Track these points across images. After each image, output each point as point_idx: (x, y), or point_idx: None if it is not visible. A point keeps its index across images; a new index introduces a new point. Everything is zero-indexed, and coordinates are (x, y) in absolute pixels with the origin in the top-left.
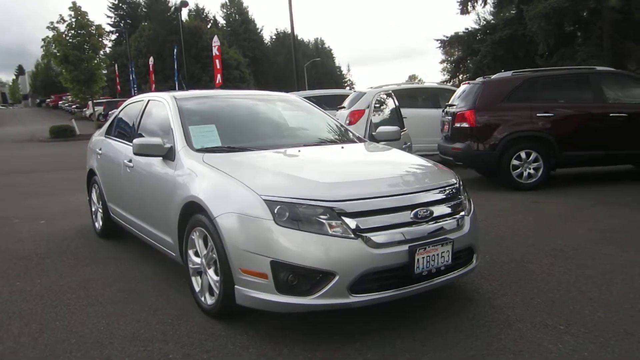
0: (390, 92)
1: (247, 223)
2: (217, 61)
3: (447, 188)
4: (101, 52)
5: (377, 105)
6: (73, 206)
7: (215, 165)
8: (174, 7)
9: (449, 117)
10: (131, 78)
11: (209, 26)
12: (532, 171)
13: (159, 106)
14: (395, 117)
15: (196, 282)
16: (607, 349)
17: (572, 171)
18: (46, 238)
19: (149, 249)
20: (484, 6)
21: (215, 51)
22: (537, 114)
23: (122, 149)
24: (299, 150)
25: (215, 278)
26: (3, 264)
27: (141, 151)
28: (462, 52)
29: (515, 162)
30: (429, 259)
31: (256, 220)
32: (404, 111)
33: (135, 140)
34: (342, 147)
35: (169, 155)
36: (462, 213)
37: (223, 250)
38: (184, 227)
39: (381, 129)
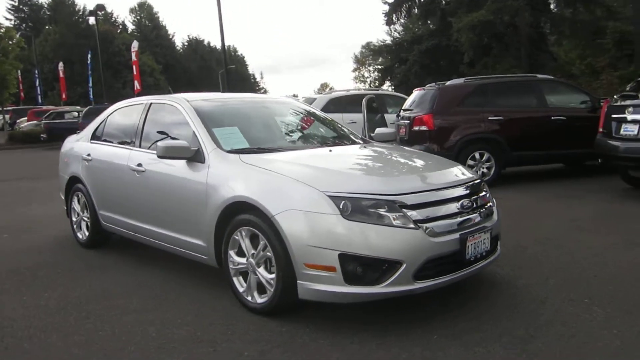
0: (373, 96)
1: (312, 219)
2: (135, 67)
3: (476, 181)
4: (11, 56)
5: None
6: (31, 218)
7: (257, 165)
8: (82, 11)
9: (406, 121)
10: (37, 84)
11: (118, 31)
12: (485, 170)
13: (169, 109)
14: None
15: (238, 283)
16: (632, 315)
17: (516, 169)
18: (21, 252)
19: (145, 256)
20: (407, 18)
21: (134, 57)
22: (489, 118)
23: (125, 154)
24: (330, 150)
25: (269, 276)
26: None
27: (167, 154)
28: (390, 61)
29: (470, 162)
30: (476, 246)
31: (322, 216)
32: (353, 116)
33: (160, 143)
34: (364, 147)
35: (197, 157)
36: (490, 204)
37: (282, 247)
38: (221, 229)
39: (379, 130)
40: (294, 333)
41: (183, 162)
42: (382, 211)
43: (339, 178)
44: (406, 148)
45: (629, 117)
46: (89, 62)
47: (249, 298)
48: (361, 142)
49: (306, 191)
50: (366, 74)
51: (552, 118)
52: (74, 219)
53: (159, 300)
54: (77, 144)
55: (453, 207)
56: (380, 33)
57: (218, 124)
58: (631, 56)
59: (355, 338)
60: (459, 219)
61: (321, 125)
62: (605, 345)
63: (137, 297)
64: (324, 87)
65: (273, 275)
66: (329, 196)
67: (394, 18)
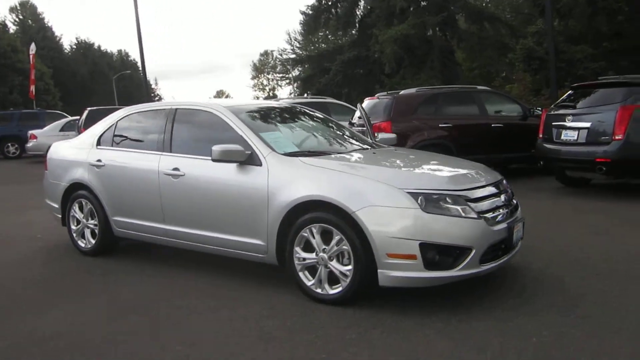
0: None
1: (393, 213)
2: (32, 71)
3: (504, 179)
4: None
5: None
6: (15, 229)
7: (322, 166)
8: None
9: (361, 128)
10: None
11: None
12: None
13: (205, 115)
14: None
15: (305, 277)
16: None
17: None
18: (29, 262)
19: (161, 260)
20: (325, 28)
21: (31, 60)
22: (440, 124)
23: (153, 159)
24: (374, 153)
25: (345, 268)
26: (34, 286)
27: (223, 157)
28: (312, 70)
29: None
30: (517, 233)
31: (403, 210)
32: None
33: (215, 147)
34: (396, 150)
35: (251, 160)
36: (514, 199)
37: (360, 240)
38: (285, 227)
39: (382, 135)
40: (376, 319)
41: (233, 165)
42: (452, 204)
43: (410, 176)
44: (424, 152)
45: (569, 124)
46: None
47: (319, 290)
48: (383, 145)
49: (384, 189)
50: (265, 82)
51: (492, 125)
52: (73, 227)
53: (218, 300)
54: (76, 151)
55: (498, 201)
56: (278, 42)
57: (262, 130)
58: (537, 70)
59: (434, 317)
60: (504, 211)
61: (340, 129)
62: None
63: (198, 299)
64: (219, 94)
65: (349, 267)
66: (408, 192)
67: (313, 29)
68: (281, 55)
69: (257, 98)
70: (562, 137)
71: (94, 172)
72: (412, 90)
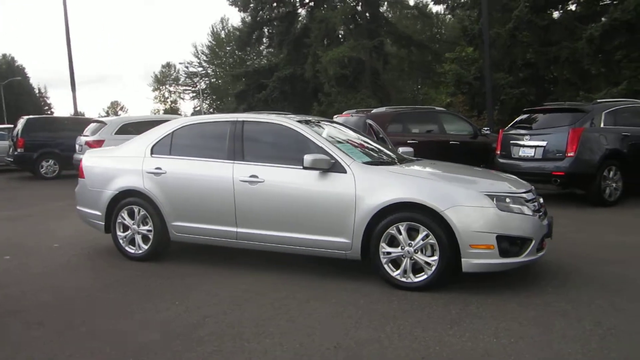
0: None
1: (476, 211)
2: None
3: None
4: None
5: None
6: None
7: (407, 173)
8: None
9: None
10: None
11: None
12: None
13: (277, 128)
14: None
15: (389, 268)
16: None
17: None
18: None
19: (215, 261)
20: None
21: None
22: (407, 141)
23: (225, 167)
24: (433, 163)
25: (430, 258)
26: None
27: (312, 165)
28: (247, 86)
29: None
30: (550, 229)
31: (484, 209)
32: None
33: (308, 156)
34: (432, 162)
35: (335, 168)
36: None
37: (446, 234)
38: (372, 226)
39: (402, 149)
40: (462, 298)
41: (314, 172)
42: (516, 204)
43: (484, 182)
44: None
45: (526, 143)
46: None
47: (404, 279)
48: (411, 157)
49: (467, 191)
50: (166, 94)
51: (450, 142)
52: (121, 234)
53: (320, 291)
54: (123, 159)
55: (537, 203)
56: (182, 54)
57: (333, 142)
58: (465, 93)
59: (489, 300)
60: (543, 210)
61: (369, 142)
62: None
63: (284, 297)
64: (114, 105)
65: (434, 258)
66: (486, 195)
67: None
68: (187, 67)
69: (158, 111)
70: (520, 154)
71: (152, 179)
72: (383, 109)
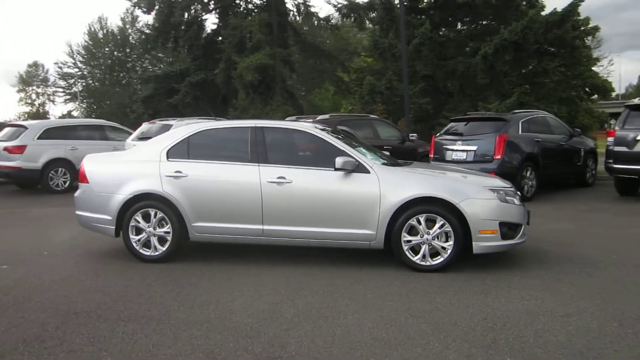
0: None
1: (484, 203)
2: None
3: None
4: None
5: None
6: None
7: (422, 172)
8: None
9: None
10: None
11: None
12: None
13: (299, 134)
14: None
15: (410, 254)
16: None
17: None
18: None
19: (235, 257)
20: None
21: None
22: None
23: (251, 169)
24: (424, 164)
25: (446, 244)
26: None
27: (343, 167)
28: (155, 90)
29: None
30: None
31: (489, 201)
32: (74, 142)
33: (339, 159)
34: (428, 164)
35: (359, 169)
36: None
37: (460, 223)
38: (394, 218)
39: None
40: (476, 276)
41: (338, 173)
42: (511, 196)
43: (485, 178)
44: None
45: (458, 147)
46: None
47: (423, 262)
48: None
49: (475, 186)
50: (34, 96)
51: (384, 147)
52: (134, 237)
53: (351, 277)
54: (135, 164)
55: (518, 196)
56: (52, 54)
57: (353, 146)
58: (378, 102)
59: (515, 279)
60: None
61: (367, 146)
62: None
63: (332, 277)
64: None
65: (449, 243)
66: (490, 189)
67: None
68: (61, 68)
69: (25, 114)
70: (453, 157)
71: (171, 182)
72: (327, 116)
